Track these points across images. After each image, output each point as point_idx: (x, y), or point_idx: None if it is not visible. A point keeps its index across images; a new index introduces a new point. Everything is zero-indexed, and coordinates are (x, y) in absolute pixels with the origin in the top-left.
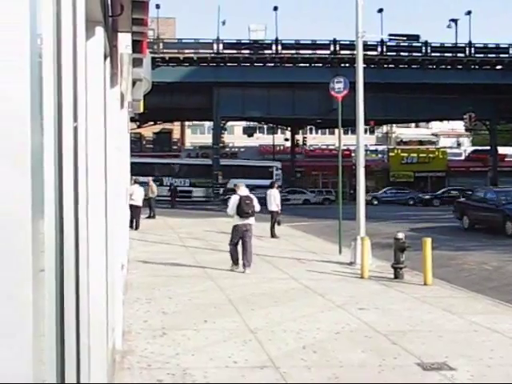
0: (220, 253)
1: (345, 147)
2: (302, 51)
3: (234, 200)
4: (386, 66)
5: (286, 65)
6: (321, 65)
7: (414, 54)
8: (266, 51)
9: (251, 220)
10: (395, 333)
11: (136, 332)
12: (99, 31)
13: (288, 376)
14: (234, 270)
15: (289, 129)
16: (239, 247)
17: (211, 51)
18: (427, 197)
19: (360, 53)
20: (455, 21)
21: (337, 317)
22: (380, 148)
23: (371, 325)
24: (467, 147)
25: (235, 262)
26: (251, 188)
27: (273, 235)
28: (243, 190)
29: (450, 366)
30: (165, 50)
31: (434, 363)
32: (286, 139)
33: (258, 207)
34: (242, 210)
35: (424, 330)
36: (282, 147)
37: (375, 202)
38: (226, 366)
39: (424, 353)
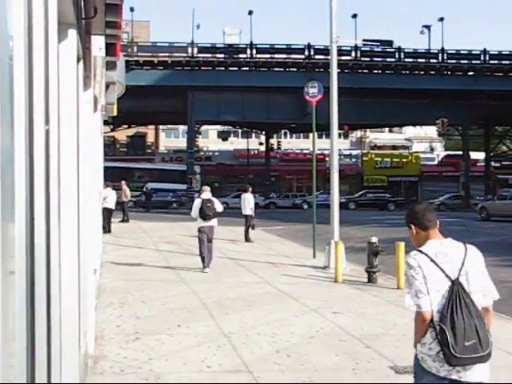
0: (194, 257)
1: (319, 151)
2: (276, 55)
3: (196, 203)
4: (360, 71)
5: (261, 69)
6: (295, 69)
7: (388, 59)
8: (241, 55)
9: (213, 222)
10: (369, 336)
11: (109, 337)
12: (72, 33)
13: (261, 380)
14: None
15: (263, 133)
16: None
17: (186, 55)
18: (343, 200)
19: (334, 58)
20: (428, 27)
21: (311, 321)
22: (354, 152)
23: (345, 328)
24: (440, 152)
25: (204, 261)
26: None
27: (247, 239)
28: (206, 194)
29: None
30: (139, 54)
31: (407, 366)
32: (261, 143)
33: (220, 208)
34: (204, 213)
35: (397, 333)
36: (256, 151)
37: (352, 206)
38: (200, 371)
39: (397, 356)
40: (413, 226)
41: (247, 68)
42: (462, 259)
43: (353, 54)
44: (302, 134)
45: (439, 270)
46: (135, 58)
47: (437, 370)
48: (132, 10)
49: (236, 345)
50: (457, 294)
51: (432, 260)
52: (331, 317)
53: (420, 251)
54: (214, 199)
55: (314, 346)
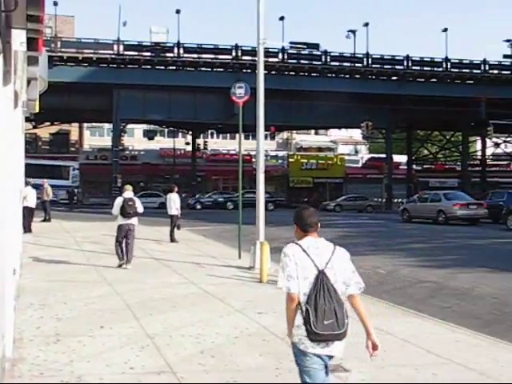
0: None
1: (245, 152)
2: (204, 55)
3: (117, 202)
4: (286, 73)
5: (188, 69)
6: (223, 70)
7: (314, 62)
8: (168, 54)
9: (133, 220)
10: None
11: (28, 339)
12: None
13: (185, 381)
14: (121, 265)
15: (190, 133)
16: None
17: (111, 52)
18: (221, 199)
19: (261, 59)
20: (354, 32)
21: (236, 321)
22: (280, 154)
23: (269, 329)
24: (364, 155)
25: (120, 257)
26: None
27: (172, 239)
28: (128, 193)
29: (345, 367)
30: (63, 49)
31: (330, 365)
32: (187, 143)
33: (140, 209)
34: (125, 211)
35: None
36: (183, 151)
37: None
38: (123, 372)
39: None
40: (296, 226)
41: (174, 67)
42: (329, 255)
43: (280, 56)
44: (228, 135)
45: (310, 260)
46: (59, 54)
47: (312, 349)
48: (56, 4)
49: (160, 346)
50: (321, 281)
51: (304, 251)
52: (256, 317)
53: (295, 243)
54: (135, 199)
55: (238, 346)
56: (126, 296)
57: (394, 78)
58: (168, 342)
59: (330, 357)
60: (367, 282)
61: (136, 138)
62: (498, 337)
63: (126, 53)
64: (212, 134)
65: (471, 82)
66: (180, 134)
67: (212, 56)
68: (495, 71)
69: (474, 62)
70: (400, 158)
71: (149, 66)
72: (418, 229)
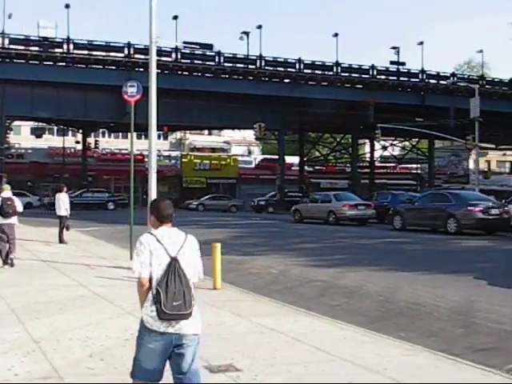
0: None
1: (138, 152)
2: (95, 52)
3: None
4: (180, 72)
5: (78, 65)
6: (115, 67)
7: (208, 62)
8: (57, 50)
9: (13, 220)
10: None
11: None
12: None
13: None
14: (3, 266)
15: (80, 131)
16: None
17: None
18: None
19: (153, 58)
20: (247, 33)
21: (126, 323)
22: (173, 154)
23: None
24: (257, 155)
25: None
26: None
27: (61, 240)
28: (6, 193)
29: (236, 367)
30: None
31: (221, 365)
32: (78, 142)
33: (20, 208)
34: (4, 210)
35: (212, 333)
36: (73, 150)
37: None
38: (6, 380)
39: (212, 356)
40: (152, 216)
41: (64, 63)
42: (181, 243)
43: (173, 55)
44: (121, 134)
45: (163, 248)
46: None
47: (157, 328)
48: None
49: (46, 350)
50: (173, 267)
51: (158, 240)
52: None
53: (151, 233)
54: (14, 198)
55: (128, 349)
56: (10, 300)
57: (287, 80)
58: (55, 346)
59: (179, 336)
60: (259, 282)
61: (23, 136)
62: (384, 333)
63: (11, 47)
64: (104, 132)
65: (360, 86)
66: (70, 133)
67: (104, 53)
68: (383, 77)
69: (363, 67)
70: (292, 159)
71: (36, 62)
72: (309, 229)
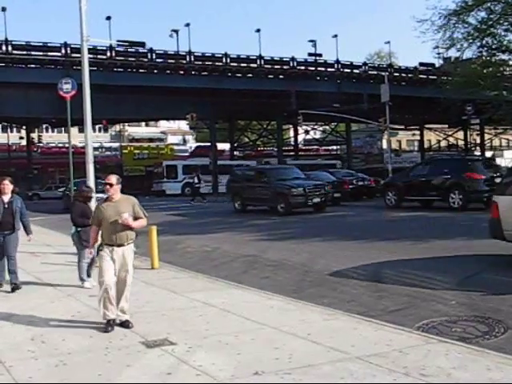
0: None
1: (81, 144)
2: (33, 52)
3: None
4: (115, 69)
5: (18, 65)
6: (53, 66)
7: (141, 59)
8: None
9: None
10: None
11: None
12: None
13: (13, 369)
14: None
15: (24, 127)
16: None
17: None
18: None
19: (85, 56)
20: (176, 31)
21: (68, 305)
22: (114, 145)
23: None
24: (192, 144)
25: None
26: None
27: None
28: None
29: (171, 341)
30: None
31: (157, 340)
32: (21, 137)
33: None
34: None
35: (149, 310)
36: (17, 145)
37: None
38: None
39: (149, 331)
40: None
41: (3, 64)
42: None
43: (108, 53)
44: (63, 129)
45: None
46: None
47: None
48: None
49: None
50: None
51: None
52: (87, 300)
53: None
54: None
55: (69, 330)
56: None
57: (215, 73)
58: None
59: None
60: (194, 260)
61: None
62: (308, 300)
63: None
64: (47, 128)
65: (282, 76)
66: (15, 129)
67: (41, 53)
68: (302, 67)
69: (284, 59)
70: (224, 146)
71: None
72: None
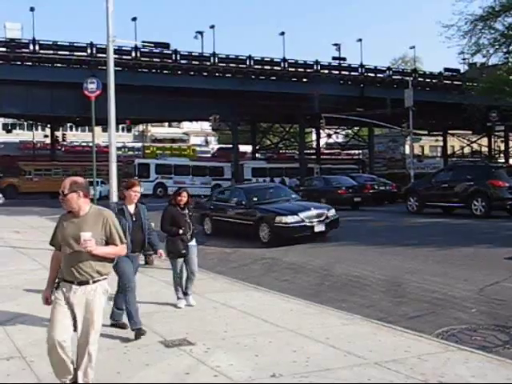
0: None
1: (104, 144)
2: (60, 52)
3: None
4: (140, 70)
5: (45, 64)
6: (79, 66)
7: (166, 60)
8: (24, 50)
9: None
10: (144, 314)
11: None
12: None
13: (34, 364)
14: None
15: (49, 126)
16: None
17: None
18: None
19: (111, 56)
20: (201, 33)
21: None
22: (137, 145)
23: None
24: (214, 145)
25: None
26: None
27: None
28: None
29: (190, 341)
30: None
31: (176, 340)
32: (46, 136)
33: None
34: None
35: (169, 310)
36: (42, 144)
37: None
38: None
39: (168, 331)
40: None
41: (30, 63)
42: None
43: (133, 54)
44: (87, 128)
45: None
46: None
47: None
48: None
49: (10, 332)
50: None
51: None
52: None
53: None
54: None
55: None
56: None
57: (239, 75)
58: (19, 327)
59: None
60: (214, 261)
61: None
62: (327, 304)
63: None
64: (71, 126)
65: (306, 80)
66: (40, 127)
67: (68, 53)
68: (326, 71)
69: (308, 62)
70: (246, 148)
71: (4, 62)
72: None
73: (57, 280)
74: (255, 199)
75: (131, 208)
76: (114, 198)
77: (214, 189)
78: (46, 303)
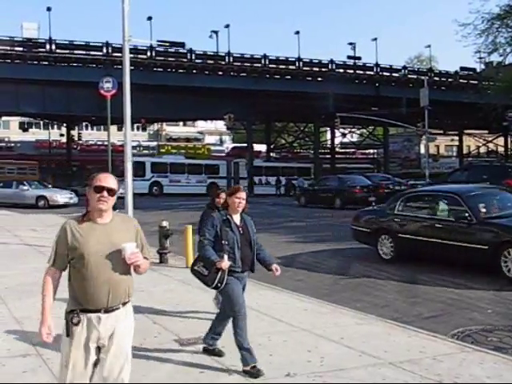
0: None
1: (120, 143)
2: (76, 51)
3: None
4: (155, 69)
5: (61, 64)
6: (94, 65)
7: (181, 59)
8: (41, 49)
9: None
10: (157, 313)
11: None
12: None
13: (50, 361)
14: None
15: (65, 125)
16: None
17: None
18: None
19: (127, 55)
20: (216, 32)
21: None
22: (152, 144)
23: (135, 307)
24: (229, 144)
25: None
26: None
27: None
28: None
29: None
30: None
31: (191, 338)
32: (62, 135)
33: None
34: None
35: (183, 309)
36: (58, 142)
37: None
38: None
39: (182, 329)
40: None
41: (47, 62)
42: None
43: (148, 53)
44: (102, 127)
45: None
46: None
47: None
48: None
49: (27, 329)
50: None
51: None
52: None
53: None
54: None
55: None
56: None
57: (254, 74)
58: (36, 325)
59: None
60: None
61: (12, 130)
62: (341, 304)
63: None
64: (87, 125)
65: (320, 79)
66: (55, 126)
67: (84, 52)
68: (341, 70)
69: (323, 61)
70: (260, 147)
71: (21, 61)
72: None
73: (68, 310)
74: (484, 210)
75: (236, 219)
76: (130, 197)
77: (210, 187)
78: (47, 339)
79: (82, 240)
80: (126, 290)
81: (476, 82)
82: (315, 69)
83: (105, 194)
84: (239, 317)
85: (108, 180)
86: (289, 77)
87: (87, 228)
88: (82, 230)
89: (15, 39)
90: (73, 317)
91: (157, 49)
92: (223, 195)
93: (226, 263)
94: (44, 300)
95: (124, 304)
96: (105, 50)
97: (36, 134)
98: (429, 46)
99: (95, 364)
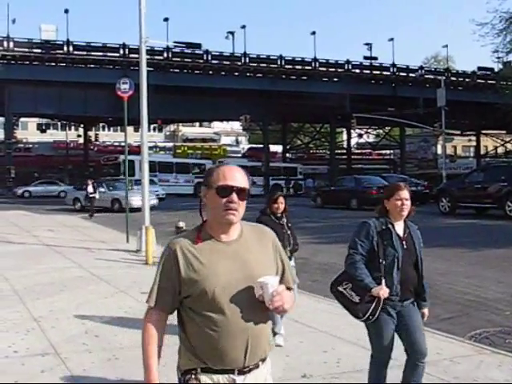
0: (9, 245)
1: (136, 144)
2: (93, 53)
3: None
4: (171, 70)
5: (78, 65)
6: (111, 67)
7: (197, 60)
8: (58, 51)
9: None
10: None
11: None
12: None
13: (68, 360)
14: None
15: (82, 126)
16: None
17: (1, 48)
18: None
19: (143, 56)
20: (232, 33)
21: (120, 301)
22: (168, 145)
23: None
24: (245, 145)
25: None
26: None
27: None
28: None
29: None
30: None
31: None
32: (79, 135)
33: None
34: None
35: None
36: (75, 143)
37: None
38: (6, 356)
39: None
40: None
41: (64, 64)
42: None
43: (165, 54)
44: (119, 128)
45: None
46: None
47: None
48: None
49: (45, 329)
50: None
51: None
52: (139, 296)
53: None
54: None
55: (121, 325)
56: (13, 281)
57: (270, 75)
58: (53, 324)
59: None
60: None
61: (30, 131)
62: None
63: (16, 49)
64: (104, 126)
65: (337, 79)
66: (73, 127)
67: (101, 54)
68: (357, 70)
69: (339, 62)
70: (276, 148)
71: (39, 63)
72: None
73: (182, 370)
74: None
75: (399, 228)
76: (146, 198)
77: (198, 186)
78: None
79: (204, 270)
80: (267, 341)
81: (494, 81)
82: (331, 69)
83: (234, 197)
84: (376, 361)
85: (235, 176)
86: (305, 77)
87: (208, 250)
88: (201, 255)
89: (33, 41)
90: (190, 379)
91: (173, 50)
92: (282, 200)
93: (385, 291)
94: (147, 356)
95: (263, 361)
96: (121, 52)
97: (54, 135)
98: (446, 46)
99: None
